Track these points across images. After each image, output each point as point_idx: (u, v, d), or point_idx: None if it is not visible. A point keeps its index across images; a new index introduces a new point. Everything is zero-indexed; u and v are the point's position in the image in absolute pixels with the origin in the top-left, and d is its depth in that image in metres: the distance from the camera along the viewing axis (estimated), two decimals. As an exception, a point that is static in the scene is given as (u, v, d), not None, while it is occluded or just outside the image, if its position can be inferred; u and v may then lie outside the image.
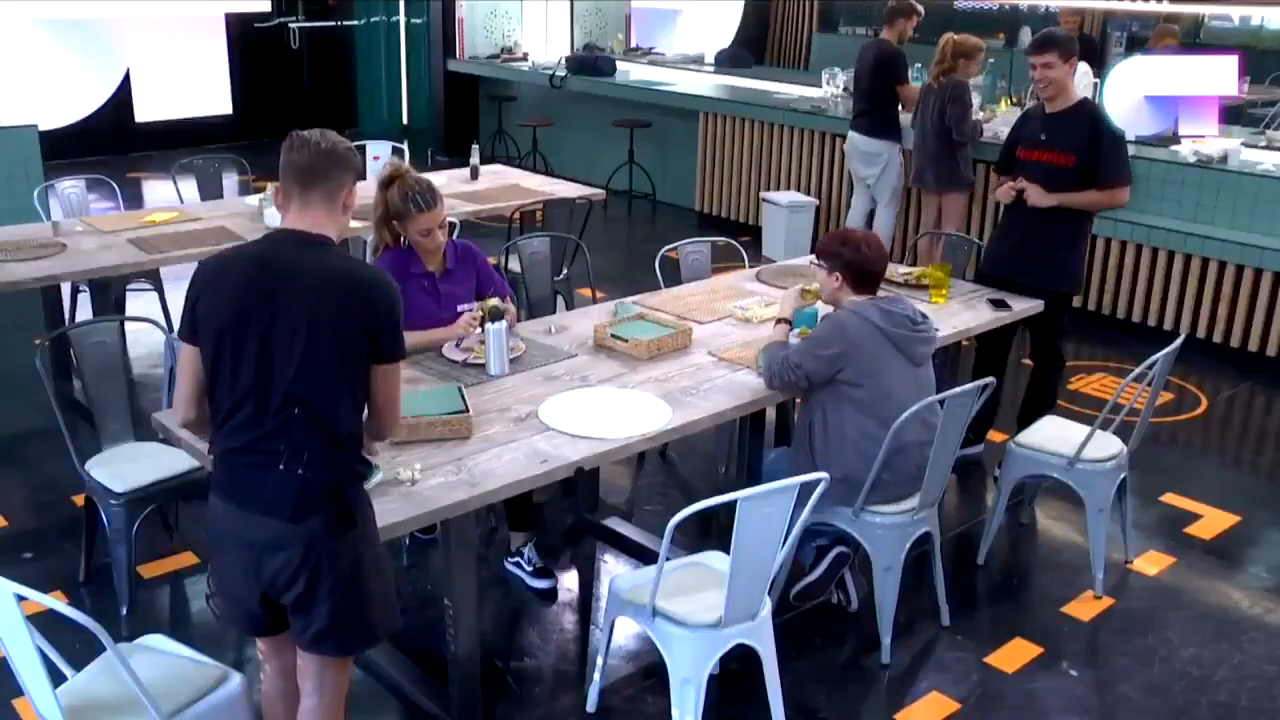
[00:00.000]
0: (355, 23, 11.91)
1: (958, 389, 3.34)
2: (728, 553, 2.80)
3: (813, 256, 3.74)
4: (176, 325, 2.49)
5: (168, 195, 7.32)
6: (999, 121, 6.98)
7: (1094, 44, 8.43)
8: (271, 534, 2.38)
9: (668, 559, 2.90)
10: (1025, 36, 9.30)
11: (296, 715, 2.67)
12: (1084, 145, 4.50)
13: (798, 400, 3.80)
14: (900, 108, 6.92)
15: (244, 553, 2.43)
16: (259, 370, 2.35)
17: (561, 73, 9.80)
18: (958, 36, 6.44)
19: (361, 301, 2.37)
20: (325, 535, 2.39)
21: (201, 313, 2.39)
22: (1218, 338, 6.25)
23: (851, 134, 7.09)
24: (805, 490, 2.81)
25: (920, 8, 6.87)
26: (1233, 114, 7.57)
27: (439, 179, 4.99)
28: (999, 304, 4.43)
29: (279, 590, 2.43)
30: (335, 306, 2.35)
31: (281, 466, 2.35)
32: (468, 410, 3.14)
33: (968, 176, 6.62)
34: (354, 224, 5.24)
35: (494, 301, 3.63)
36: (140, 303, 5.89)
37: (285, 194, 2.46)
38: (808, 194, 8.09)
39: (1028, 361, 5.07)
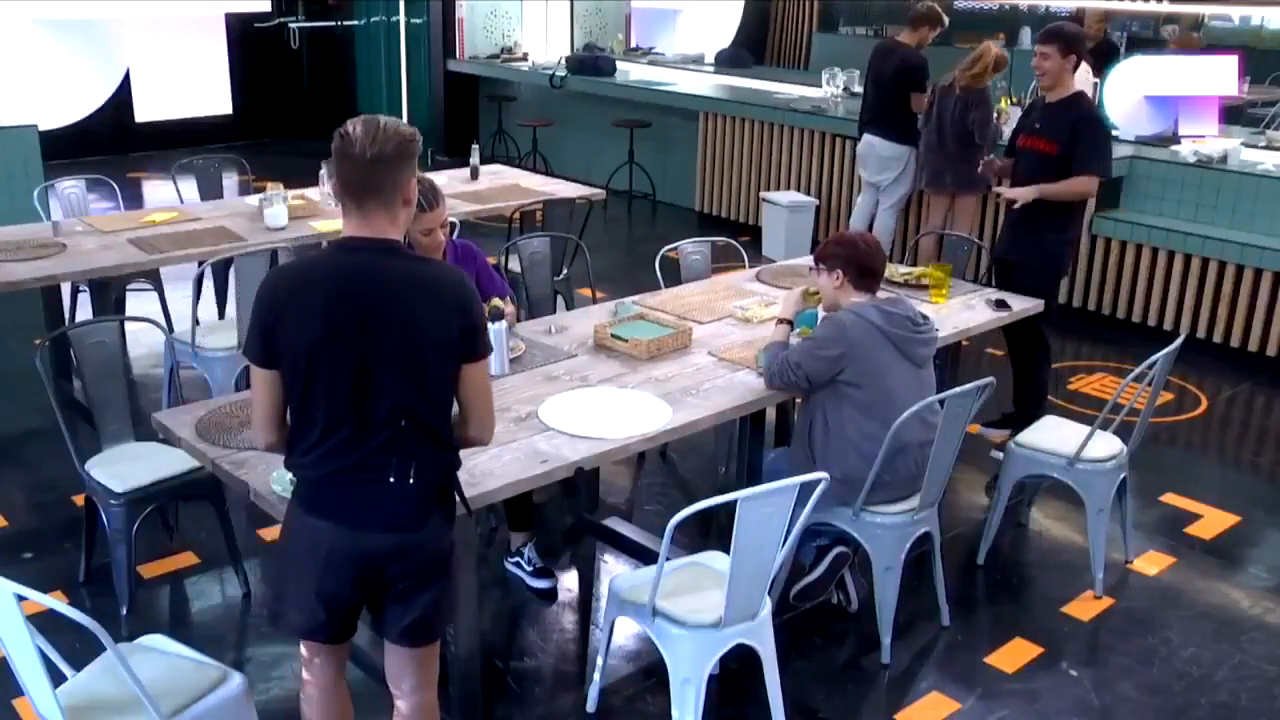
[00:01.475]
0: (355, 23, 11.91)
1: (958, 389, 3.34)
2: (728, 553, 2.81)
3: (810, 262, 3.74)
4: (242, 347, 2.37)
5: (168, 195, 7.32)
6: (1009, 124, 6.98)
7: (1116, 49, 8.44)
8: (394, 545, 2.37)
9: (668, 559, 2.90)
10: (1025, 36, 9.32)
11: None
12: (1067, 135, 4.68)
13: (798, 400, 3.80)
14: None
15: (357, 567, 2.38)
16: (357, 387, 2.28)
17: (561, 73, 9.80)
18: (998, 49, 6.36)
19: (455, 303, 2.33)
20: (441, 530, 2.43)
21: (284, 335, 2.28)
22: (1218, 338, 6.26)
23: (870, 138, 6.98)
24: (805, 490, 2.81)
25: (945, 18, 6.85)
26: (1233, 114, 7.57)
27: (439, 179, 4.99)
28: (999, 304, 4.43)
29: (389, 588, 2.43)
30: (432, 311, 2.30)
31: (392, 479, 2.33)
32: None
33: (986, 178, 6.58)
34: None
35: (494, 301, 3.64)
36: (140, 303, 5.89)
37: (342, 198, 2.33)
38: (808, 194, 8.09)
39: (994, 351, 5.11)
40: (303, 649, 2.62)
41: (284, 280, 2.35)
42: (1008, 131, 6.69)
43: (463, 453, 2.49)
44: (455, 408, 2.46)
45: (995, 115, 6.48)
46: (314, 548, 2.39)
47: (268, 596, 2.60)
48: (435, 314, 2.30)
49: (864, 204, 7.30)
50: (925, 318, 3.54)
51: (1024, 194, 4.74)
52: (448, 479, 2.45)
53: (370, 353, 2.28)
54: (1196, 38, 8.18)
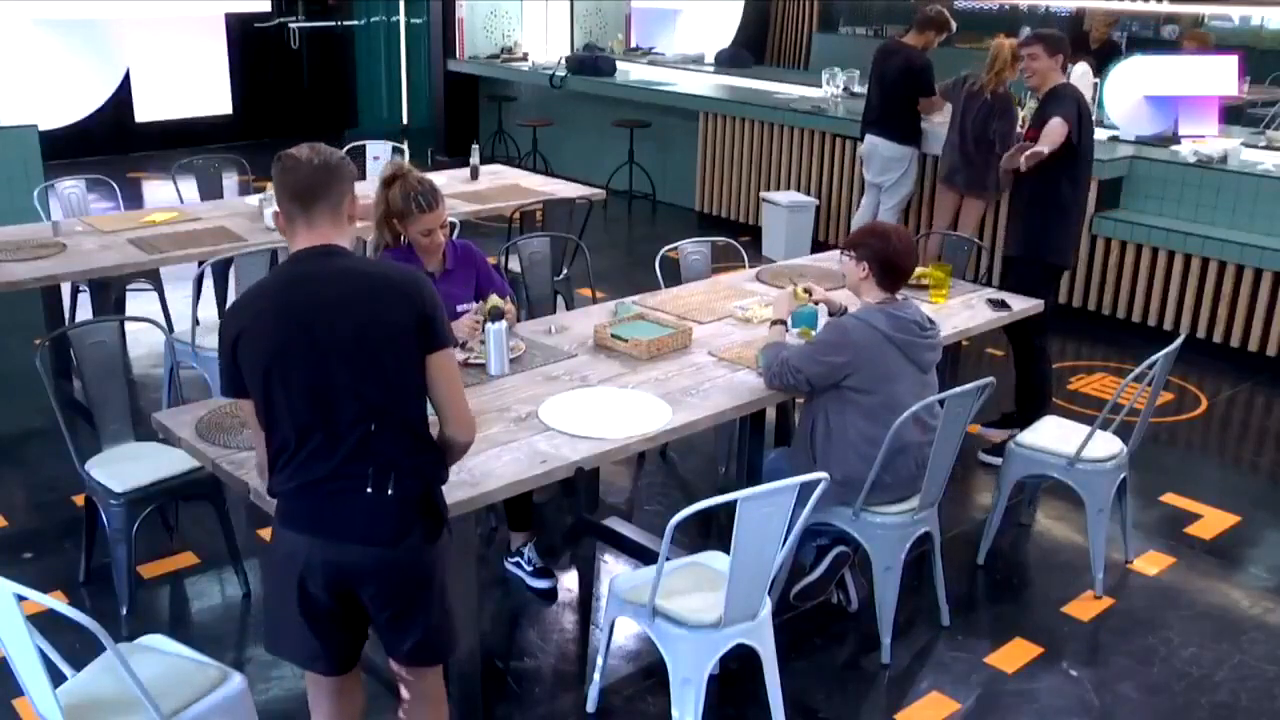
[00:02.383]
0: (355, 23, 11.91)
1: (958, 389, 3.34)
2: (728, 553, 2.80)
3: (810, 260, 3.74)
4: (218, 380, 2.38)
5: (168, 195, 7.32)
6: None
7: (1118, 48, 8.44)
8: (370, 561, 2.31)
9: (668, 559, 2.90)
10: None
11: None
12: (1042, 116, 4.81)
13: (798, 400, 3.80)
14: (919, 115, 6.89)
15: (334, 581, 2.34)
16: (318, 391, 2.26)
17: (561, 73, 9.80)
18: (1010, 40, 6.33)
19: (405, 295, 2.31)
20: (421, 548, 2.36)
21: (244, 358, 2.28)
22: (1218, 338, 6.26)
23: (873, 138, 6.96)
24: (805, 490, 2.81)
25: (954, 24, 6.82)
26: (1233, 114, 7.57)
27: (439, 179, 4.98)
28: (999, 304, 4.43)
29: (374, 611, 2.39)
30: (382, 305, 2.29)
31: (370, 490, 2.28)
32: (468, 410, 3.13)
33: (994, 184, 6.54)
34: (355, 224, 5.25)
35: (494, 301, 3.63)
36: (140, 303, 5.89)
37: (288, 217, 2.34)
38: (808, 194, 8.09)
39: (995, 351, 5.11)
40: (308, 690, 2.57)
41: (237, 308, 2.36)
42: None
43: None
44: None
45: (1020, 124, 6.44)
46: (291, 562, 2.35)
47: (264, 622, 2.56)
48: (386, 306, 2.29)
49: (867, 205, 7.27)
50: (931, 321, 3.52)
51: (1010, 162, 4.83)
52: (430, 491, 2.40)
53: (326, 355, 2.26)
54: (1205, 33, 8.14)
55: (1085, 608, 3.91)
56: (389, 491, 2.29)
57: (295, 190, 2.32)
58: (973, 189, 6.53)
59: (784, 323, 3.67)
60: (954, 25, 6.83)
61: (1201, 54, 7.37)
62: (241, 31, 11.46)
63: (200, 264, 4.87)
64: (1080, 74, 6.59)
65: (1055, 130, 4.67)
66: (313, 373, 2.26)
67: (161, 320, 5.37)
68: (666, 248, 4.95)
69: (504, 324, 3.54)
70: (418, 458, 2.35)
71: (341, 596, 2.37)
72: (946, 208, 6.76)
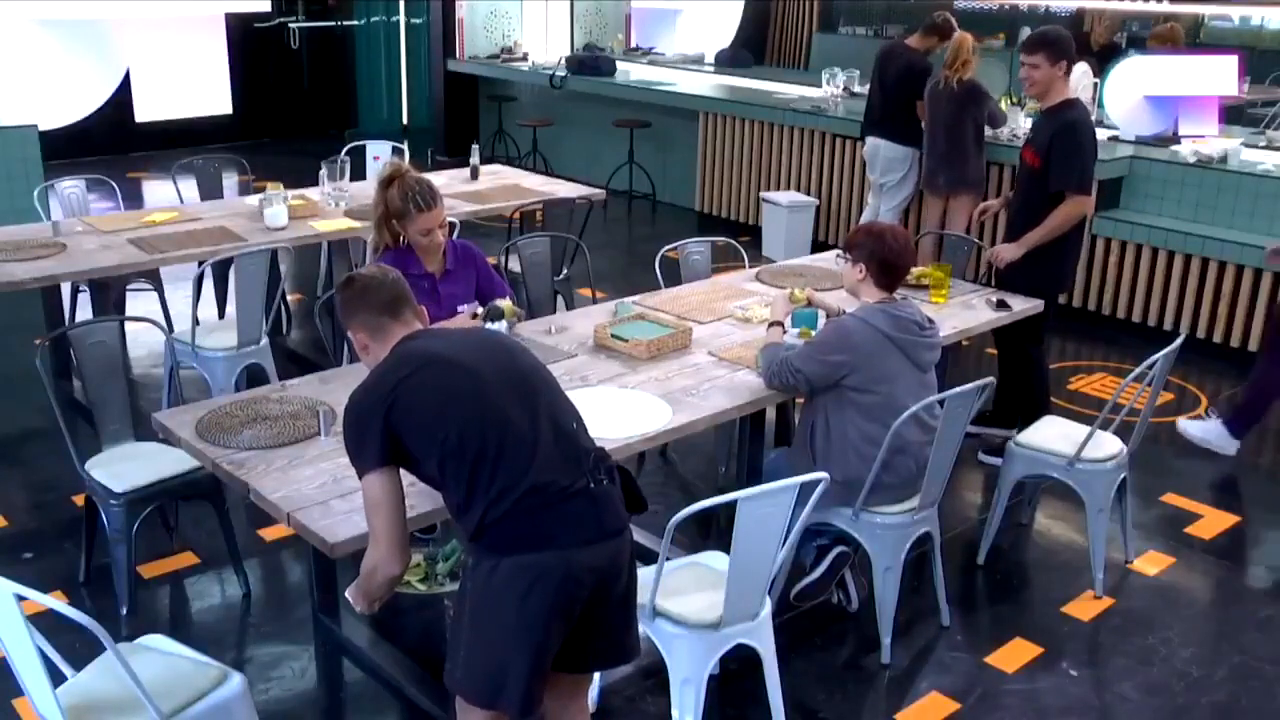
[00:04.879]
0: (355, 23, 11.91)
1: (958, 389, 3.34)
2: (728, 553, 2.81)
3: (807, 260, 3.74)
4: (359, 454, 2.40)
5: (168, 195, 7.32)
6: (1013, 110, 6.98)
7: (1120, 48, 8.43)
8: (619, 551, 2.44)
9: (668, 559, 2.90)
10: (1025, 36, 9.30)
11: None
12: (1047, 146, 4.53)
13: (799, 400, 3.80)
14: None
15: (580, 592, 2.37)
16: (524, 405, 2.40)
17: (561, 73, 9.80)
18: (970, 37, 6.32)
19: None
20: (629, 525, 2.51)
21: (408, 414, 2.35)
22: (1218, 338, 6.26)
23: (875, 140, 6.96)
24: (805, 490, 2.81)
25: (958, 34, 6.81)
26: (1233, 114, 7.57)
27: (439, 179, 4.99)
28: (999, 304, 4.43)
29: (610, 608, 2.47)
30: (520, 348, 2.63)
31: (592, 485, 2.40)
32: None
33: (975, 178, 6.53)
34: (354, 224, 5.26)
35: (499, 302, 3.65)
36: (140, 303, 5.89)
37: (376, 327, 2.55)
38: (808, 194, 8.09)
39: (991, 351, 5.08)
40: None
41: (370, 389, 2.41)
42: (1024, 121, 6.73)
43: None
44: None
45: (997, 102, 6.46)
46: (532, 588, 2.32)
47: (471, 678, 2.42)
48: (524, 351, 2.61)
49: (874, 205, 7.27)
50: (931, 321, 3.52)
51: (1007, 253, 4.62)
52: (626, 479, 2.55)
53: (517, 377, 2.46)
54: (1176, 28, 8.07)
55: (1085, 608, 3.91)
56: (606, 481, 2.44)
57: (384, 303, 2.56)
58: (955, 187, 6.53)
59: (781, 324, 3.67)
60: (958, 35, 6.82)
61: (1171, 53, 7.30)
62: (241, 31, 11.46)
63: (200, 264, 4.87)
64: (1080, 74, 6.60)
65: (1073, 210, 4.51)
66: (512, 390, 2.42)
67: (161, 320, 5.37)
68: (666, 248, 4.95)
69: (504, 324, 3.54)
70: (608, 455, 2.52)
71: (580, 603, 2.39)
72: (934, 212, 6.76)
